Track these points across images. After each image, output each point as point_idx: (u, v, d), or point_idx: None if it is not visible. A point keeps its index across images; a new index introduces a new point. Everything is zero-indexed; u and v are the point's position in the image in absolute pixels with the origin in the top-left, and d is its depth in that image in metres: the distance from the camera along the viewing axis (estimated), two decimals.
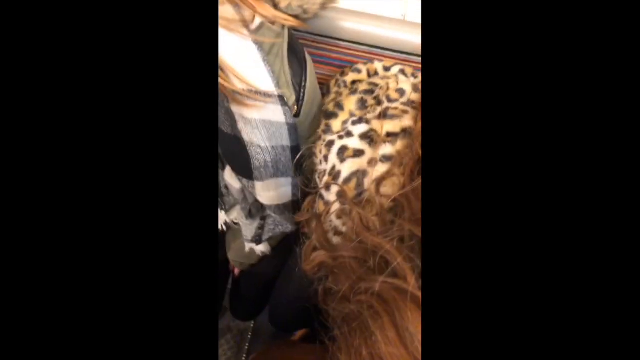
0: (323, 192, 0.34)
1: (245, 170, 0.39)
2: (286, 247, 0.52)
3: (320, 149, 0.36)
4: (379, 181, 0.29)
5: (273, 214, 0.46)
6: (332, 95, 0.40)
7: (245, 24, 0.32)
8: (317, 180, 0.36)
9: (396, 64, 0.39)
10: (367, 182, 0.31)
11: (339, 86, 0.41)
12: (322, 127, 0.36)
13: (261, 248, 0.52)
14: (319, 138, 0.37)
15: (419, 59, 0.45)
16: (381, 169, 0.31)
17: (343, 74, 0.40)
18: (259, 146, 0.36)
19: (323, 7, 0.39)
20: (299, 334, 0.57)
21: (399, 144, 0.31)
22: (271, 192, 0.41)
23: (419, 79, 0.37)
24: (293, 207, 0.46)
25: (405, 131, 0.32)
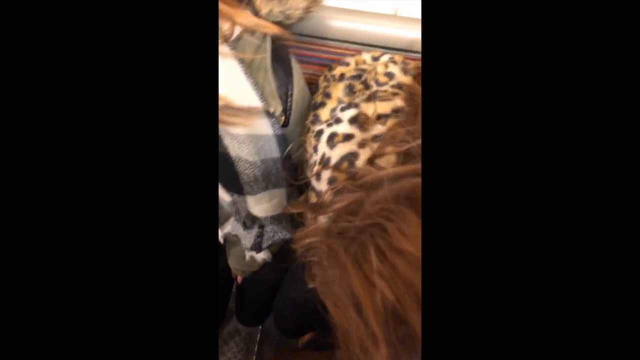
0: (314, 182, 0.33)
1: (234, 185, 0.38)
2: (287, 252, 0.50)
3: (310, 141, 0.35)
4: (372, 159, 0.28)
5: (272, 224, 0.45)
6: (321, 90, 0.39)
7: (224, 39, 0.31)
8: (308, 172, 0.35)
9: (385, 53, 0.38)
10: (359, 164, 0.29)
11: (327, 81, 0.40)
12: (311, 118, 0.36)
13: (262, 255, 0.51)
14: (308, 130, 0.36)
15: (412, 55, 0.45)
16: (372, 149, 0.29)
17: (331, 69, 0.40)
18: (247, 161, 0.35)
19: (306, 11, 0.39)
20: (305, 338, 0.54)
21: (391, 123, 0.29)
22: (264, 204, 0.40)
23: (410, 65, 0.36)
24: (289, 216, 0.44)
25: (396, 111, 0.30)
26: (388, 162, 0.28)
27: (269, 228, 0.47)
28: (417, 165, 0.23)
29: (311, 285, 0.29)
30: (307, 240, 0.27)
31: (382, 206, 0.21)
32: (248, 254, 0.51)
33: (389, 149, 0.27)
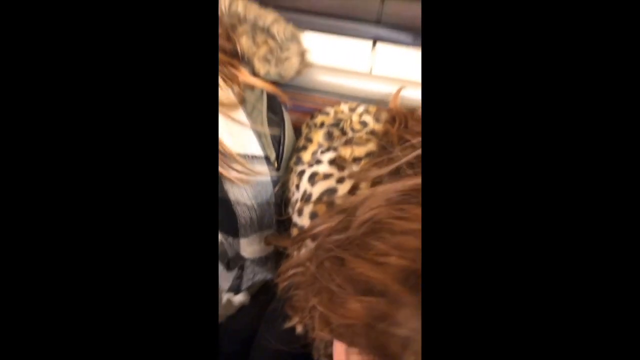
0: (296, 218, 0.35)
1: (230, 229, 0.39)
2: (266, 293, 0.49)
3: (292, 180, 0.37)
4: (353, 188, 0.30)
5: (253, 265, 0.45)
6: (303, 135, 0.43)
7: (238, 100, 0.36)
8: (290, 209, 0.37)
9: (360, 105, 0.43)
10: (338, 198, 0.31)
11: (309, 127, 0.44)
12: (294, 159, 0.38)
13: (239, 298, 0.50)
14: (291, 170, 0.38)
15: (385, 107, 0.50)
16: (349, 185, 0.32)
17: (313, 117, 0.44)
18: (245, 204, 0.37)
19: (298, 72, 0.45)
20: None
21: (364, 163, 0.32)
22: (255, 246, 0.42)
23: (382, 115, 0.41)
24: (275, 257, 0.45)
25: (370, 154, 0.34)
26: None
27: (249, 269, 0.47)
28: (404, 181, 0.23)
29: (291, 324, 0.29)
30: (291, 272, 0.28)
31: (376, 211, 0.21)
32: (225, 297, 0.50)
33: (371, 173, 0.28)
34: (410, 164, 0.27)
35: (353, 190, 0.31)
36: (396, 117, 0.35)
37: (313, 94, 0.51)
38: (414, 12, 0.52)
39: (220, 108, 0.34)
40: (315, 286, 0.23)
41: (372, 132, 0.36)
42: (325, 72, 0.50)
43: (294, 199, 0.37)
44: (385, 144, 0.32)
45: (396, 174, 0.26)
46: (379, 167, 0.28)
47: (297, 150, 0.39)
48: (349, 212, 0.24)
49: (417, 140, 0.29)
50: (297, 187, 0.36)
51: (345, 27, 0.54)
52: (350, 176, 0.31)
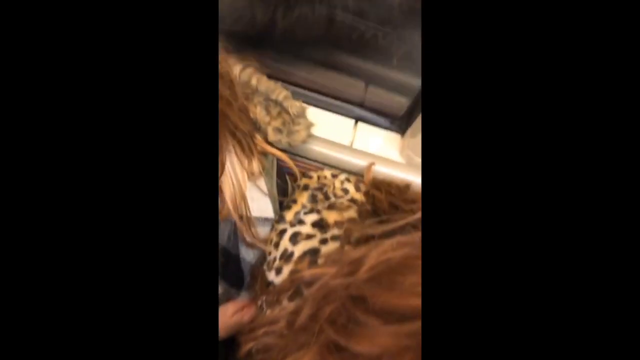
0: (272, 276, 0.34)
1: (235, 282, 0.41)
2: None
3: (271, 239, 0.38)
4: (330, 255, 0.31)
5: None
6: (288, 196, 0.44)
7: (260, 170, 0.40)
8: (265, 267, 0.36)
9: (341, 173, 0.46)
10: (320, 259, 0.32)
11: (293, 189, 0.46)
12: (276, 217, 0.39)
13: None
14: (272, 228, 0.39)
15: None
16: (331, 246, 0.33)
17: (296, 179, 0.46)
18: (250, 263, 0.40)
19: (303, 142, 0.49)
20: None
21: (345, 227, 0.34)
22: None
23: (361, 185, 0.44)
24: None
25: (351, 220, 0.36)
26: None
27: None
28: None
29: None
30: (262, 331, 0.27)
31: (390, 255, 0.22)
32: None
33: (364, 231, 0.30)
34: (412, 226, 0.28)
35: (338, 250, 0.32)
36: (381, 186, 0.38)
37: (297, 159, 0.55)
38: (393, 101, 0.61)
39: (249, 177, 0.37)
40: (292, 346, 0.22)
41: (353, 200, 0.39)
42: (311, 140, 0.55)
43: (271, 256, 0.37)
44: (371, 208, 0.35)
45: (389, 235, 0.28)
46: (371, 228, 0.30)
47: (280, 209, 0.40)
48: (355, 259, 0.24)
49: (410, 207, 0.32)
50: (276, 245, 0.36)
51: (333, 104, 0.61)
52: (347, 231, 0.32)
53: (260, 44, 0.55)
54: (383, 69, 0.59)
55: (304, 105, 0.47)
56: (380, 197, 0.36)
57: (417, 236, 0.23)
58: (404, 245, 0.23)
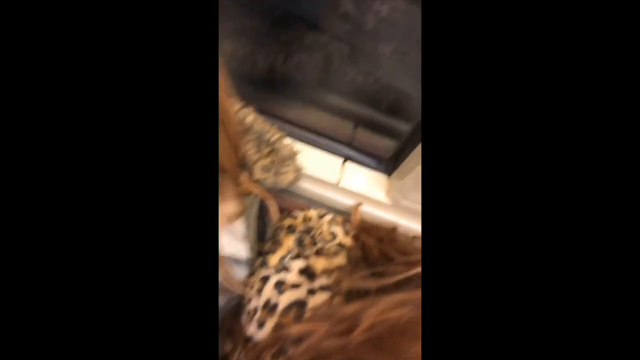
0: (253, 330, 0.32)
1: None
2: None
3: (252, 285, 0.36)
4: (318, 309, 0.29)
5: None
6: (270, 237, 0.43)
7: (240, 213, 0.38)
8: (244, 318, 0.34)
9: (328, 213, 0.46)
10: (307, 313, 0.30)
11: (276, 230, 0.45)
12: (258, 262, 0.38)
13: None
14: (253, 274, 0.37)
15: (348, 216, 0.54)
16: (320, 297, 0.31)
17: (280, 219, 0.45)
18: (220, 308, 0.37)
19: (290, 184, 0.49)
20: None
21: (335, 276, 0.33)
22: None
23: (349, 228, 0.44)
24: None
25: (340, 268, 0.34)
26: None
27: None
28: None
29: None
30: None
31: (387, 316, 0.21)
32: None
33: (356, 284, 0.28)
34: (409, 280, 0.27)
35: (328, 302, 0.30)
36: (370, 230, 0.38)
37: (282, 195, 0.54)
38: (380, 143, 0.62)
39: (222, 219, 0.35)
40: None
41: (341, 245, 0.38)
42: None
43: (251, 305, 0.34)
44: (361, 254, 0.33)
45: (386, 290, 0.26)
46: (364, 281, 0.29)
47: (263, 253, 0.38)
48: (348, 316, 0.23)
49: (403, 259, 0.31)
50: (259, 291, 0.34)
51: (322, 143, 0.61)
52: (336, 281, 0.30)
53: (259, 86, 0.56)
54: (372, 112, 0.60)
55: (296, 149, 0.47)
56: (370, 244, 0.36)
57: (418, 294, 0.22)
58: (404, 304, 0.22)
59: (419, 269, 0.28)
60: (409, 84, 0.56)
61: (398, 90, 0.57)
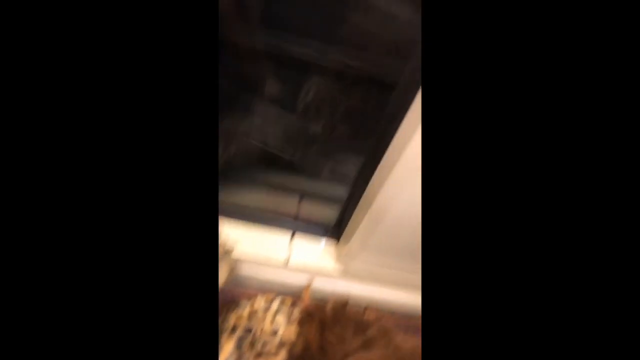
0: None
1: None
2: None
3: None
4: None
5: None
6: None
7: None
8: None
9: (276, 298, 0.46)
10: None
11: (220, 332, 0.44)
12: None
13: None
14: None
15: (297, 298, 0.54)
16: None
17: (225, 319, 0.44)
18: None
19: (226, 281, 0.48)
20: None
21: None
22: None
23: (294, 313, 0.44)
24: None
25: None
26: None
27: None
28: None
29: None
30: None
31: None
32: None
33: None
34: None
35: None
36: (319, 314, 0.37)
37: (231, 284, 0.53)
38: (325, 212, 0.64)
39: None
40: None
41: (282, 343, 0.38)
42: (245, 264, 0.54)
43: None
44: (302, 348, 0.33)
45: None
46: None
47: None
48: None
49: (351, 346, 0.31)
50: None
51: (268, 219, 0.63)
52: None
53: None
54: (313, 183, 0.63)
55: (231, 246, 0.47)
56: (311, 336, 0.36)
57: None
58: None
59: None
60: (344, 149, 0.59)
61: (336, 158, 0.60)
